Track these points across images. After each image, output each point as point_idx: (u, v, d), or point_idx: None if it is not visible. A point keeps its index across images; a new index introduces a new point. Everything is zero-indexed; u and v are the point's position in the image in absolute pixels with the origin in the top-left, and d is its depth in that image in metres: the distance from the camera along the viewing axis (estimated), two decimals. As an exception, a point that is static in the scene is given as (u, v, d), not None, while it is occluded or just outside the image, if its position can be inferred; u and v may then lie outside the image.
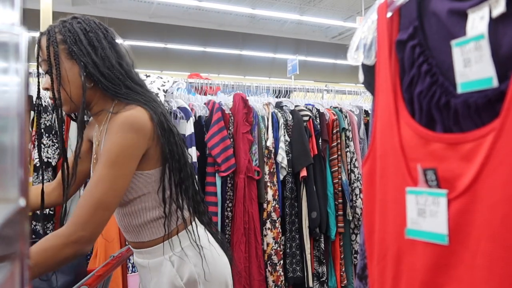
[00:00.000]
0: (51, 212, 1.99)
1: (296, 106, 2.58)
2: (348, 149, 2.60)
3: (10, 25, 0.31)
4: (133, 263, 2.03)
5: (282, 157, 2.35)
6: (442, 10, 0.52)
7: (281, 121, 2.42)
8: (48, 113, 2.04)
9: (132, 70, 1.06)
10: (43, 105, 2.03)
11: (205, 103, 2.37)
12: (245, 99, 2.35)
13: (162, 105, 1.08)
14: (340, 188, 2.52)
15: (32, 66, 1.02)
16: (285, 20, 10.69)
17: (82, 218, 0.87)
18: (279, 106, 2.55)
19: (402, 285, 0.54)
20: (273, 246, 2.31)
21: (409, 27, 0.57)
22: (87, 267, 1.31)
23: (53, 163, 2.02)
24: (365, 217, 0.63)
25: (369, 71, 0.65)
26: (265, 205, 2.31)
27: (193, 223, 1.09)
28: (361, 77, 0.69)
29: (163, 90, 2.15)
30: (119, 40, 1.07)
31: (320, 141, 2.50)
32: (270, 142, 2.36)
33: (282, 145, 2.37)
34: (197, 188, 1.12)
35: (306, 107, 2.57)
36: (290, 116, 2.47)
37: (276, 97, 2.80)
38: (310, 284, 2.38)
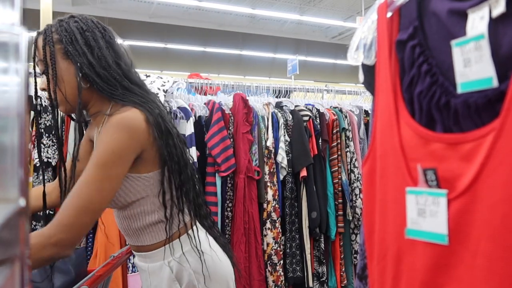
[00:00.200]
0: (51, 212, 1.99)
1: (296, 106, 2.58)
2: (348, 149, 2.61)
3: (10, 25, 0.31)
4: (133, 263, 2.03)
5: (282, 157, 2.35)
6: (442, 10, 0.52)
7: (281, 121, 2.42)
8: (48, 113, 2.04)
9: (131, 70, 1.04)
10: (43, 105, 2.03)
11: (205, 103, 2.37)
12: (245, 99, 2.35)
13: (162, 106, 1.06)
14: (340, 188, 2.52)
15: (31, 66, 1.01)
16: (285, 20, 10.70)
17: (65, 220, 0.84)
18: (279, 106, 2.55)
19: (402, 285, 0.54)
20: (273, 246, 2.31)
21: (409, 27, 0.57)
22: (87, 267, 1.31)
23: (53, 163, 2.02)
24: (365, 217, 0.63)
25: (369, 71, 0.65)
26: (265, 205, 2.31)
27: (194, 227, 1.06)
28: (361, 77, 0.69)
29: (163, 90, 2.15)
30: (118, 40, 1.05)
31: (320, 141, 2.50)
32: (270, 142, 2.36)
33: (282, 145, 2.37)
34: (199, 191, 1.10)
35: (306, 107, 2.57)
36: (290, 116, 2.47)
37: (276, 97, 2.80)
38: (310, 284, 2.38)
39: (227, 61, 12.17)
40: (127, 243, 1.13)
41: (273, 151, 2.36)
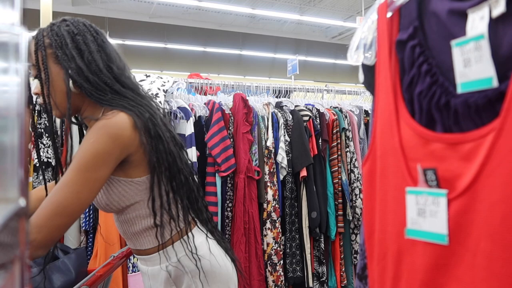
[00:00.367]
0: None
1: (296, 106, 2.58)
2: (348, 149, 2.61)
3: (10, 25, 0.31)
4: (133, 263, 2.03)
5: (282, 157, 2.35)
6: (442, 10, 0.52)
7: (281, 121, 2.42)
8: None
9: (124, 74, 1.02)
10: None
11: (205, 103, 2.37)
12: (245, 99, 2.35)
13: (156, 109, 1.03)
14: (340, 188, 2.52)
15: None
16: (285, 20, 10.70)
17: (38, 221, 0.83)
18: (279, 106, 2.55)
19: (402, 285, 0.54)
20: (273, 246, 2.31)
21: (409, 27, 0.57)
22: (87, 267, 1.31)
23: (53, 163, 2.02)
24: (365, 217, 0.63)
25: (369, 71, 0.66)
26: (265, 205, 2.31)
27: (190, 233, 1.05)
28: (361, 77, 0.69)
29: (163, 90, 2.15)
30: (111, 43, 1.03)
31: (320, 141, 2.50)
32: (270, 142, 2.36)
33: (282, 145, 2.37)
34: (198, 195, 1.08)
35: (306, 107, 2.57)
36: (290, 116, 2.47)
37: (276, 97, 2.80)
38: (310, 284, 2.38)
39: (227, 61, 12.17)
40: (127, 243, 1.13)
41: (273, 151, 2.36)
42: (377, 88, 0.60)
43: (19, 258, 0.30)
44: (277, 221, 2.32)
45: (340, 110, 2.65)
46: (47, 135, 2.02)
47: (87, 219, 2.00)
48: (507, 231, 0.42)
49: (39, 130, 1.95)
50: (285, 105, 2.56)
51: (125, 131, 0.92)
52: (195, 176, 1.11)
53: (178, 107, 2.19)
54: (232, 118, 2.32)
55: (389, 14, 0.61)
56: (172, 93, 2.29)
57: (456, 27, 0.50)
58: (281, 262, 2.33)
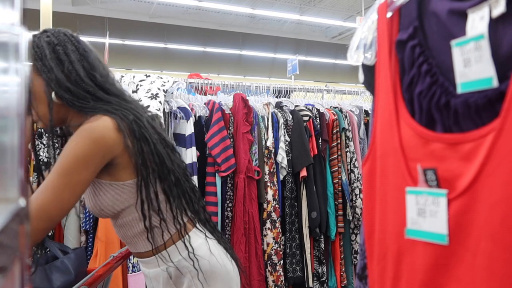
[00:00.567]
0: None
1: (296, 106, 2.58)
2: (348, 149, 2.61)
3: (10, 25, 0.31)
4: (133, 263, 2.03)
5: (282, 157, 2.35)
6: (442, 10, 0.52)
7: (281, 121, 2.42)
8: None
9: (108, 81, 1.02)
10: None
11: (205, 103, 2.37)
12: (245, 99, 2.35)
13: (142, 112, 1.02)
14: (340, 188, 2.52)
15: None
16: (285, 20, 10.70)
17: None
18: (279, 106, 2.55)
19: (402, 285, 0.54)
20: (273, 246, 2.31)
21: (409, 27, 0.57)
22: (87, 267, 1.31)
23: (53, 163, 2.02)
24: (365, 217, 0.63)
25: (369, 71, 0.66)
26: (265, 205, 2.31)
27: (187, 235, 1.04)
28: (361, 77, 0.69)
29: (163, 90, 2.15)
30: (93, 50, 1.02)
31: (320, 141, 2.50)
32: (270, 142, 2.36)
33: (282, 145, 2.37)
34: (194, 196, 1.07)
35: (306, 107, 2.57)
36: (290, 116, 2.47)
37: (276, 97, 2.80)
38: (310, 284, 2.38)
39: (227, 61, 12.17)
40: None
41: (273, 151, 2.36)
42: (377, 88, 0.60)
43: (19, 258, 0.30)
44: (277, 221, 2.32)
45: (340, 110, 2.66)
46: (47, 135, 2.02)
47: (87, 219, 2.00)
48: (507, 231, 0.42)
49: (40, 130, 1.95)
50: (285, 105, 2.56)
51: (107, 133, 0.92)
52: (190, 177, 1.10)
53: (178, 107, 2.19)
54: (232, 118, 2.32)
55: (389, 14, 0.61)
56: (172, 93, 2.29)
57: (456, 27, 0.50)
58: (281, 262, 2.33)
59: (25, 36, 0.32)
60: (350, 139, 2.62)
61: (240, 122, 2.29)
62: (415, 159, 0.52)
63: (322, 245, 2.47)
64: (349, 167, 2.60)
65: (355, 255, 2.61)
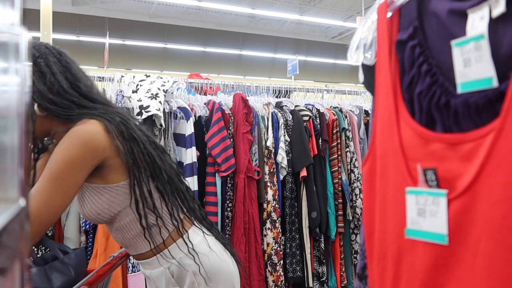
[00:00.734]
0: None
1: (296, 106, 2.58)
2: (348, 149, 2.61)
3: (10, 25, 0.31)
4: (133, 263, 2.03)
5: (282, 157, 2.35)
6: (442, 10, 0.52)
7: (281, 121, 2.42)
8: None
9: (92, 91, 1.02)
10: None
11: (205, 103, 2.37)
12: (245, 99, 2.35)
13: (129, 117, 1.03)
14: (340, 188, 2.52)
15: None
16: (285, 20, 10.69)
17: None
18: (279, 106, 2.55)
19: (402, 285, 0.54)
20: (273, 246, 2.31)
21: (409, 27, 0.57)
22: (87, 267, 1.31)
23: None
24: (365, 217, 0.63)
25: (369, 71, 0.65)
26: (265, 205, 2.31)
27: (184, 235, 1.05)
28: (361, 77, 0.69)
29: (163, 90, 2.15)
30: (75, 62, 1.03)
31: (320, 141, 2.50)
32: (270, 142, 2.36)
33: (282, 145, 2.37)
34: (187, 194, 1.08)
35: (306, 107, 2.57)
36: (290, 116, 2.48)
37: (276, 97, 2.80)
38: (310, 284, 2.38)
39: (227, 61, 12.17)
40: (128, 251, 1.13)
41: (273, 151, 2.36)
42: (377, 88, 0.60)
43: (19, 258, 0.30)
44: (277, 221, 2.32)
45: (340, 110, 2.66)
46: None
47: (87, 219, 2.00)
48: (507, 231, 0.42)
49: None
50: (285, 105, 2.56)
51: (97, 135, 0.92)
52: (183, 178, 1.11)
53: (178, 107, 2.19)
54: (232, 118, 2.32)
55: (389, 14, 0.61)
56: (172, 93, 2.29)
57: (456, 27, 0.50)
58: (281, 262, 2.33)
59: (25, 36, 0.32)
60: (350, 139, 2.62)
61: (240, 122, 2.29)
62: (415, 159, 0.52)
63: (322, 245, 2.48)
64: (349, 167, 2.60)
65: (355, 255, 2.61)
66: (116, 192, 0.97)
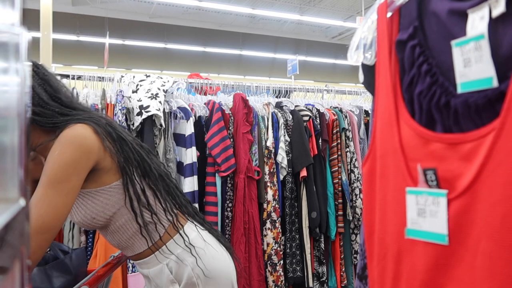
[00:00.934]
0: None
1: (296, 106, 2.58)
2: (348, 149, 2.61)
3: (10, 25, 0.31)
4: (133, 263, 2.03)
5: (282, 157, 2.35)
6: (442, 10, 0.52)
7: (281, 121, 2.42)
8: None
9: (73, 101, 1.03)
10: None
11: (205, 103, 2.37)
12: (245, 99, 2.35)
13: (114, 122, 1.06)
14: (340, 188, 2.52)
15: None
16: (285, 20, 10.69)
17: None
18: (279, 106, 2.55)
19: (402, 285, 0.54)
20: (273, 246, 2.31)
21: (409, 27, 0.57)
22: (87, 267, 1.31)
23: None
24: (365, 217, 0.63)
25: (369, 71, 0.66)
26: (265, 205, 2.31)
27: (181, 230, 1.06)
28: (361, 77, 0.69)
29: (163, 90, 2.15)
30: (53, 74, 1.03)
31: (320, 141, 2.50)
32: (270, 142, 2.36)
33: (282, 145, 2.37)
34: (177, 190, 1.10)
35: (306, 107, 2.57)
36: (290, 116, 2.47)
37: (276, 97, 2.80)
38: (310, 284, 2.38)
39: (227, 61, 12.16)
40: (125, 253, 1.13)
41: (273, 151, 2.36)
42: (377, 88, 0.60)
43: (19, 258, 0.30)
44: (277, 221, 2.32)
45: (340, 110, 2.65)
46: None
47: (87, 219, 2.00)
48: (507, 231, 0.42)
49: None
50: (285, 105, 2.56)
51: (87, 138, 0.93)
52: (171, 177, 1.13)
53: (178, 107, 2.19)
54: (232, 118, 2.32)
55: (389, 14, 0.61)
56: (172, 93, 2.29)
57: (456, 27, 0.50)
58: (281, 262, 2.33)
59: (25, 36, 0.32)
60: (350, 139, 2.62)
61: (240, 122, 2.29)
62: (415, 159, 0.52)
63: (322, 245, 2.47)
64: (349, 167, 2.60)
65: (355, 255, 2.61)
66: (110, 194, 0.98)
